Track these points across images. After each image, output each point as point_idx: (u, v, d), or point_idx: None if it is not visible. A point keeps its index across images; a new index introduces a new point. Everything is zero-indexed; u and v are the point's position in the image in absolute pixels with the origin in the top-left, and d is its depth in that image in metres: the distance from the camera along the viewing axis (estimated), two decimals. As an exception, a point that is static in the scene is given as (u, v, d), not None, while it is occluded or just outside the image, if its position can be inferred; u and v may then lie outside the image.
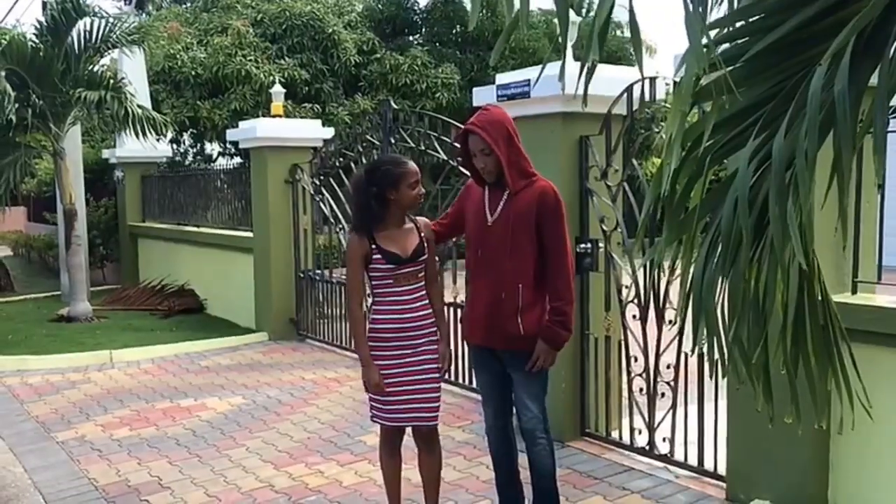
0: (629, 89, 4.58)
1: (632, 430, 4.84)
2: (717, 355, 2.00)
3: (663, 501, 4.23)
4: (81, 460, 5.12)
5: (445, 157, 6.41)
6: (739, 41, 1.89)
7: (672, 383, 4.55)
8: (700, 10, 1.61)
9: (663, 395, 4.63)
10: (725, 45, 1.90)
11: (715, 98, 1.79)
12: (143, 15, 17.26)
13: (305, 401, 6.37)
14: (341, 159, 8.08)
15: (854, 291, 3.79)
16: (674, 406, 4.57)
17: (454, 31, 16.40)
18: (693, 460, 4.49)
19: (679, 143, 1.78)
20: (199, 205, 11.12)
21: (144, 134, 9.79)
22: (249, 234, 9.29)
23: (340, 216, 8.08)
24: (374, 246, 3.62)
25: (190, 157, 16.66)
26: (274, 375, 7.24)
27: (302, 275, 8.79)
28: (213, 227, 10.59)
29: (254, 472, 4.84)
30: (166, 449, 5.30)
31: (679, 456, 4.58)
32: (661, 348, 4.58)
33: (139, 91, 10.84)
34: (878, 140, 1.60)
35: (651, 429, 4.71)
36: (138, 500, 4.46)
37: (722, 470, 4.28)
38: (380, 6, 16.32)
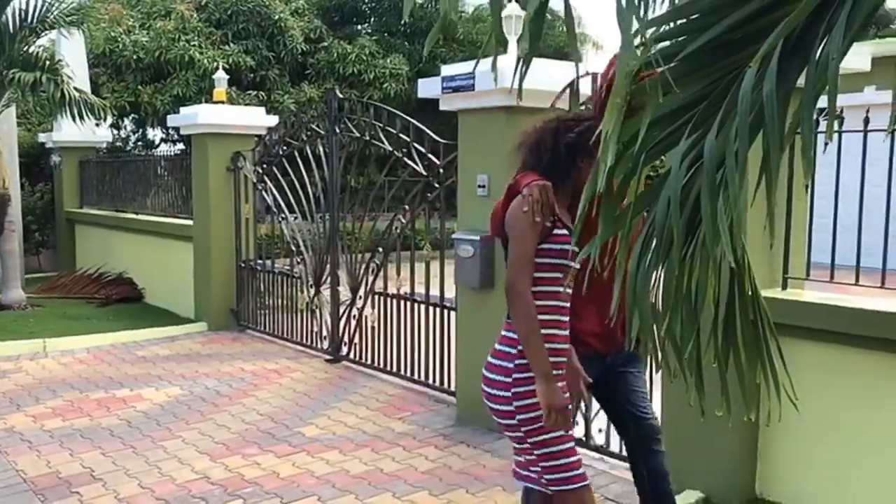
0: (571, 84, 4.62)
1: (570, 422, 4.90)
2: (650, 349, 2.03)
3: (598, 492, 4.28)
4: (9, 452, 4.97)
5: (391, 149, 6.38)
6: (679, 39, 1.92)
7: (610, 376, 4.62)
8: (636, 4, 1.63)
9: (601, 387, 4.70)
10: (666, 43, 1.93)
11: (650, 96, 1.82)
12: (84, -5, 16.79)
13: (244, 392, 6.29)
14: (285, 148, 7.99)
15: (784, 287, 3.90)
16: (611, 398, 4.63)
17: (403, 22, 16.33)
18: (628, 452, 4.57)
19: (615, 140, 1.79)
20: (139, 191, 10.88)
21: (82, 118, 9.54)
22: (190, 223, 9.12)
23: (283, 205, 7.99)
24: (554, 216, 2.60)
25: (131, 143, 16.30)
26: (213, 366, 7.14)
27: (243, 264, 8.68)
28: (153, 214, 10.38)
29: (189, 463, 4.77)
30: (100, 440, 5.18)
31: (614, 447, 4.65)
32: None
33: (78, 74, 10.54)
34: (806, 141, 1.65)
35: (587, 420, 4.78)
36: (68, 492, 4.36)
37: (656, 461, 4.36)
38: (328, -6, 16.18)
